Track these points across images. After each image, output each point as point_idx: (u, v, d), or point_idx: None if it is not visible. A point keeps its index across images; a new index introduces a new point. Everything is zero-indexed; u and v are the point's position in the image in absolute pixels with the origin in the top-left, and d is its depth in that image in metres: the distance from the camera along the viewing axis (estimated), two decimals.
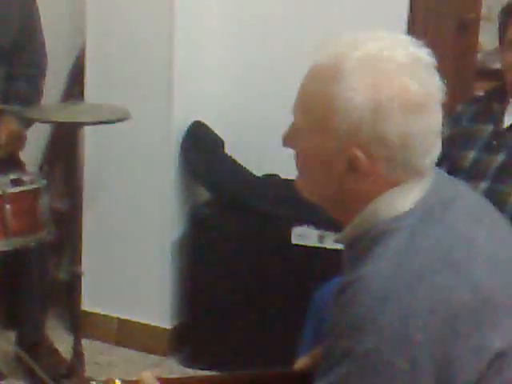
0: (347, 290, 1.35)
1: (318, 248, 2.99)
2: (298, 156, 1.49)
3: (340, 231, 1.49)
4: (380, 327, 1.29)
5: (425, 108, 1.36)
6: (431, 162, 1.42)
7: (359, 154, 1.36)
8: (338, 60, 1.38)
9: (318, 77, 1.42)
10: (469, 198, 1.53)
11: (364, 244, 1.41)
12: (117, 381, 1.53)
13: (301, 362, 1.71)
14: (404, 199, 1.41)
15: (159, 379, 1.54)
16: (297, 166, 1.50)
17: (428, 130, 1.38)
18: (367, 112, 1.34)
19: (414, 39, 1.42)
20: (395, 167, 1.38)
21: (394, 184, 1.40)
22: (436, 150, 1.42)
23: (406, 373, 1.27)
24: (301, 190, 1.52)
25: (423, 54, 1.39)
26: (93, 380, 1.84)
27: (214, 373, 2.47)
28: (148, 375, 1.53)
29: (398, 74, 1.36)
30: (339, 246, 1.58)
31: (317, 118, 1.42)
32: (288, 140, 1.48)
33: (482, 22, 3.94)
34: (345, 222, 1.47)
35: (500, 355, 1.30)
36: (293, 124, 1.47)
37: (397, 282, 1.31)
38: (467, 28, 3.58)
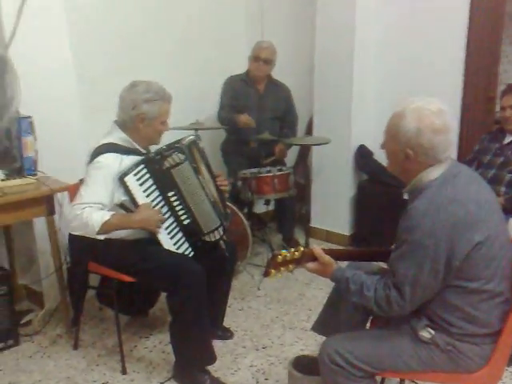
0: (407, 213, 1.56)
1: None
2: (386, 153, 1.69)
3: (404, 187, 1.67)
4: (420, 228, 1.49)
5: (442, 131, 1.54)
6: (447, 155, 1.58)
7: (410, 152, 1.57)
8: (403, 109, 1.58)
9: (394, 117, 1.61)
10: (467, 172, 1.64)
11: (416, 193, 1.59)
12: (300, 248, 1.71)
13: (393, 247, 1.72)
14: (434, 173, 1.57)
15: (322, 249, 1.74)
16: (386, 158, 1.70)
17: (443, 141, 1.55)
18: (414, 133, 1.55)
19: (440, 101, 1.59)
20: (428, 158, 1.57)
21: (428, 165, 1.58)
22: (449, 150, 1.58)
23: (433, 249, 1.49)
24: (388, 168, 1.71)
25: (444, 107, 1.58)
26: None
27: None
28: (317, 247, 1.75)
29: (430, 116, 1.54)
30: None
31: (392, 135, 1.62)
32: (382, 146, 1.69)
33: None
34: (407, 183, 1.65)
35: (478, 243, 1.50)
36: (384, 139, 1.67)
37: (429, 209, 1.50)
38: (490, 100, 3.64)
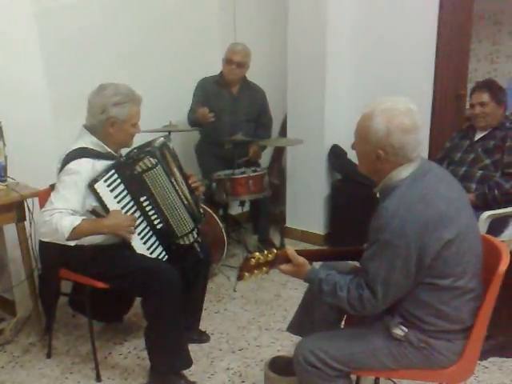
0: (377, 212, 1.56)
1: None
2: (357, 154, 1.69)
3: (376, 186, 1.67)
4: (391, 228, 1.50)
5: (411, 131, 1.55)
6: (417, 154, 1.58)
7: (381, 152, 1.57)
8: (372, 110, 1.58)
9: (364, 118, 1.60)
10: (437, 171, 1.65)
11: (386, 192, 1.59)
12: (273, 250, 1.72)
13: (365, 246, 1.73)
14: (404, 172, 1.58)
15: (296, 250, 1.74)
16: (357, 158, 1.70)
17: (413, 140, 1.55)
18: (384, 133, 1.55)
19: (409, 101, 1.59)
20: (398, 158, 1.57)
21: (399, 165, 1.58)
22: (419, 149, 1.58)
23: (403, 248, 1.49)
24: (359, 169, 1.70)
25: (413, 106, 1.58)
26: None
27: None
28: (290, 248, 1.74)
29: (399, 116, 1.55)
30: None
31: (362, 136, 1.62)
32: (353, 146, 1.69)
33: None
34: (378, 182, 1.65)
35: (448, 241, 1.51)
36: (354, 140, 1.68)
37: (399, 209, 1.51)
38: (460, 97, 3.76)
